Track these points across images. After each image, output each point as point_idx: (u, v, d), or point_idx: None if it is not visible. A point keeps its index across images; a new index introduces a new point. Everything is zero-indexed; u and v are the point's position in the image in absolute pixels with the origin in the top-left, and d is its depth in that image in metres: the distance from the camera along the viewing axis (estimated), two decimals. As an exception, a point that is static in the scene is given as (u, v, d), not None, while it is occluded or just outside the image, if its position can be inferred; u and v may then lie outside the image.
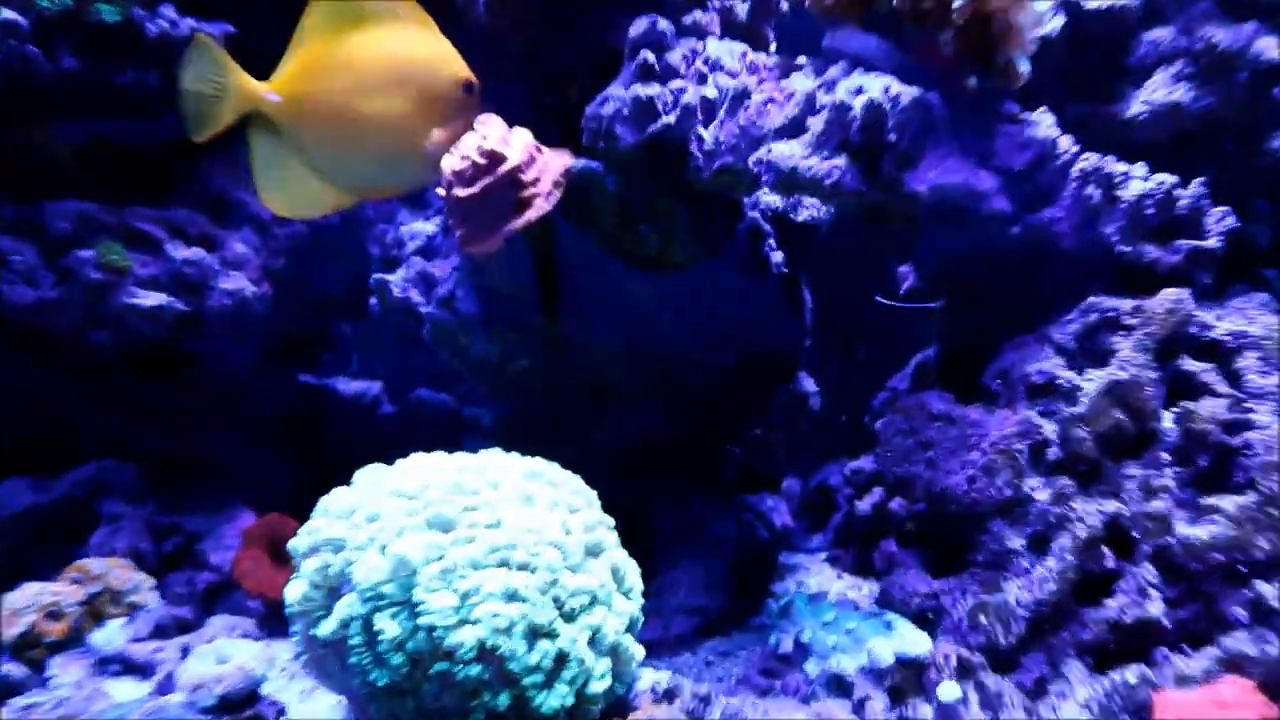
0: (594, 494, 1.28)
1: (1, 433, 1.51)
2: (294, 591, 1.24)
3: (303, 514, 1.25)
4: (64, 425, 1.54)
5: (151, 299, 1.46)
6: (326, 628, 1.20)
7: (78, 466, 1.52)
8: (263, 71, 1.29)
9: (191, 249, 1.50)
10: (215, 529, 1.54)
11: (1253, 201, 1.57)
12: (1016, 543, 1.27)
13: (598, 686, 1.19)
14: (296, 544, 1.25)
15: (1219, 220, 1.37)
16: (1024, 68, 1.18)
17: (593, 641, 1.19)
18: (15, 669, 1.33)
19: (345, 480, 1.23)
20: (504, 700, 1.16)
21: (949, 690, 1.11)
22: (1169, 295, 1.30)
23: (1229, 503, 1.25)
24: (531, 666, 1.16)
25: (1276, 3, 1.48)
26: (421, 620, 1.16)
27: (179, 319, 1.48)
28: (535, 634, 1.16)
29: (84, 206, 1.49)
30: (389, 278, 1.44)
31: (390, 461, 1.24)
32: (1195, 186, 1.36)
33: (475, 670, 1.15)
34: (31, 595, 1.37)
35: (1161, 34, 1.40)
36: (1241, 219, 1.41)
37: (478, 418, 1.46)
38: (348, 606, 1.19)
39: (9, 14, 1.43)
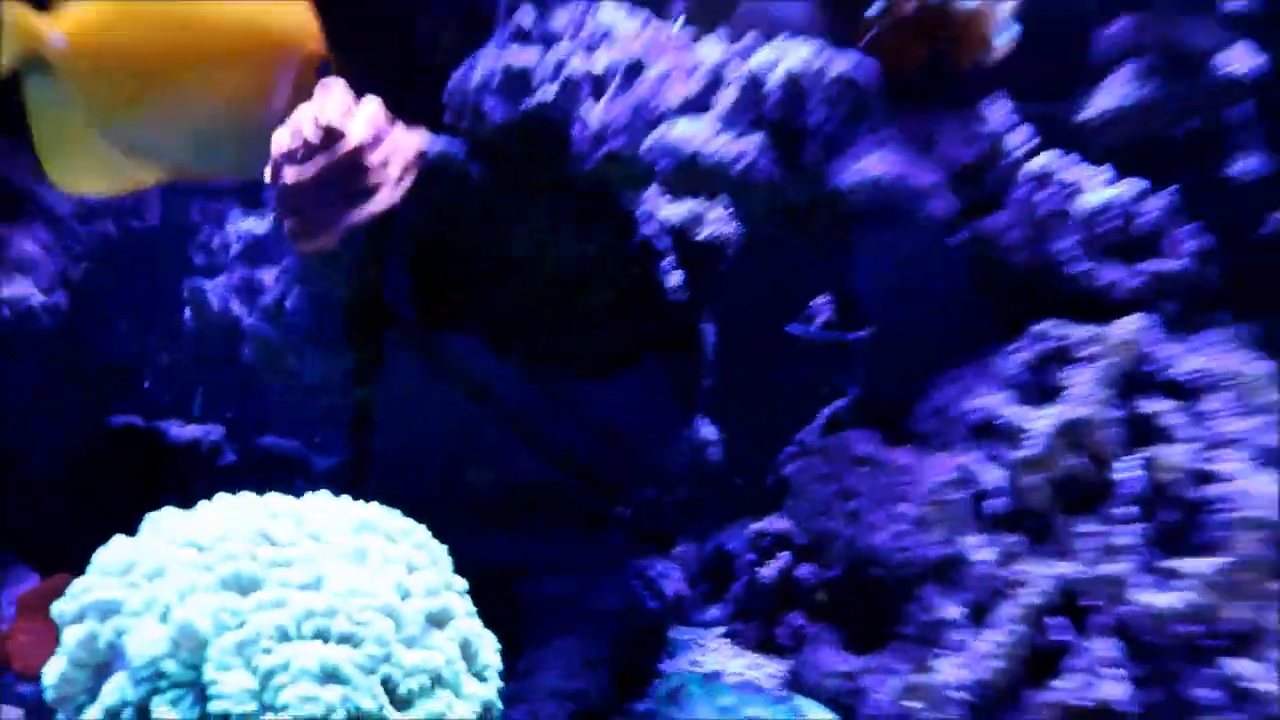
0: (443, 550, 1.04)
1: None
2: (52, 670, 0.97)
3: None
4: None
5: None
6: (90, 718, 0.93)
7: None
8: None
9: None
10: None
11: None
12: (953, 612, 1.06)
13: (437, 788, 0.94)
14: (61, 609, 0.99)
15: (1189, 238, 1.20)
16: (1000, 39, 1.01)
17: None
18: None
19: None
20: (315, 812, 0.90)
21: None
22: (1130, 323, 1.12)
23: (1201, 565, 1.07)
24: (350, 764, 0.91)
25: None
26: (212, 707, 0.90)
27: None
28: (358, 727, 0.91)
29: None
30: (205, 284, 1.19)
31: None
32: (1163, 197, 1.19)
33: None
34: None
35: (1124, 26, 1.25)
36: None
37: (300, 452, 1.22)
38: (118, 690, 0.92)
39: None
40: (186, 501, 1.03)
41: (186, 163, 1.12)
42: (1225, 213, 1.30)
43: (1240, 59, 1.30)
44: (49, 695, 0.98)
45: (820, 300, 1.29)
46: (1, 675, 1.25)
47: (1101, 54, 1.25)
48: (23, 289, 1.25)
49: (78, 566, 1.19)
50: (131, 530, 1.03)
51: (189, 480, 1.30)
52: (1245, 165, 1.30)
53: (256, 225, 1.23)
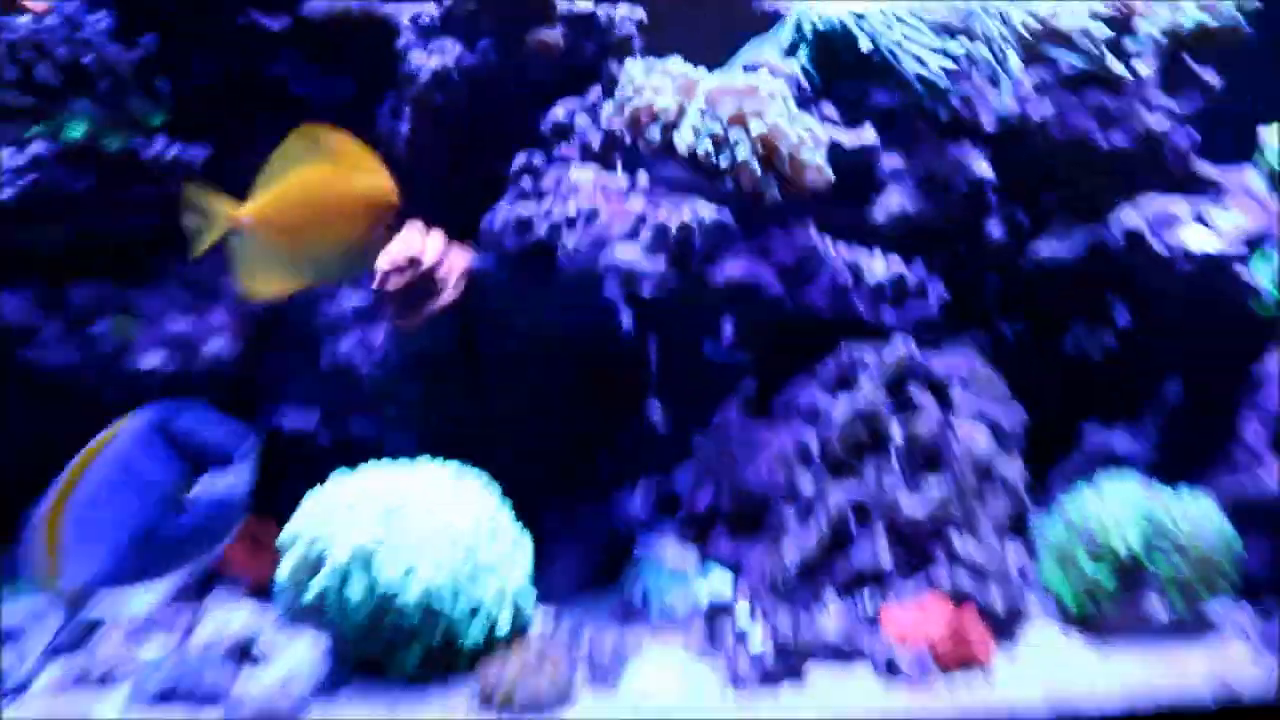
0: (498, 491, 1.80)
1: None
2: (284, 569, 1.74)
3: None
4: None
5: (151, 360, 1.95)
6: (310, 594, 1.70)
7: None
8: (235, 181, 1.73)
9: (180, 320, 1.99)
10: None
11: (983, 274, 2.17)
12: (790, 517, 1.83)
13: (503, 627, 1.71)
14: (286, 536, 1.75)
15: (937, 293, 1.96)
16: (812, 178, 1.74)
17: (499, 595, 1.71)
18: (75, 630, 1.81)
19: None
20: (438, 639, 1.67)
21: (743, 609, 1.68)
22: (896, 345, 1.88)
23: (938, 482, 1.82)
24: (456, 616, 1.68)
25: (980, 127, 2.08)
26: (378, 588, 1.67)
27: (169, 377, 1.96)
28: (458, 593, 1.68)
29: (96, 288, 1.97)
30: (335, 340, 1.95)
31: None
32: (919, 269, 1.94)
33: (416, 620, 1.66)
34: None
35: (895, 159, 2.01)
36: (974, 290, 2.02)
37: (402, 441, 1.95)
38: (322, 581, 1.70)
39: (41, 148, 1.90)
40: (324, 473, 1.78)
41: (320, 277, 1.84)
42: (968, 273, 2.05)
43: (981, 169, 2.05)
44: (280, 583, 1.74)
45: (724, 334, 2.03)
46: (222, 577, 1.98)
47: (884, 176, 2.00)
48: (217, 344, 2.00)
49: (276, 513, 1.92)
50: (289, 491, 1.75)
51: (321, 463, 2.02)
52: (979, 240, 2.06)
53: (361, 302, 1.97)
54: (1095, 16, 2.06)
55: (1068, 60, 2.06)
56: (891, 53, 1.96)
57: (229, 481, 1.45)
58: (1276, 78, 2.19)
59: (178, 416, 1.45)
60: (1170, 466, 2.06)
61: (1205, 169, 2.18)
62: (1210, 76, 2.20)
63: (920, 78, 1.98)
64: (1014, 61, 2.00)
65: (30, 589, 1.80)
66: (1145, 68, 2.12)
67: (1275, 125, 2.18)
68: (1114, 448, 2.16)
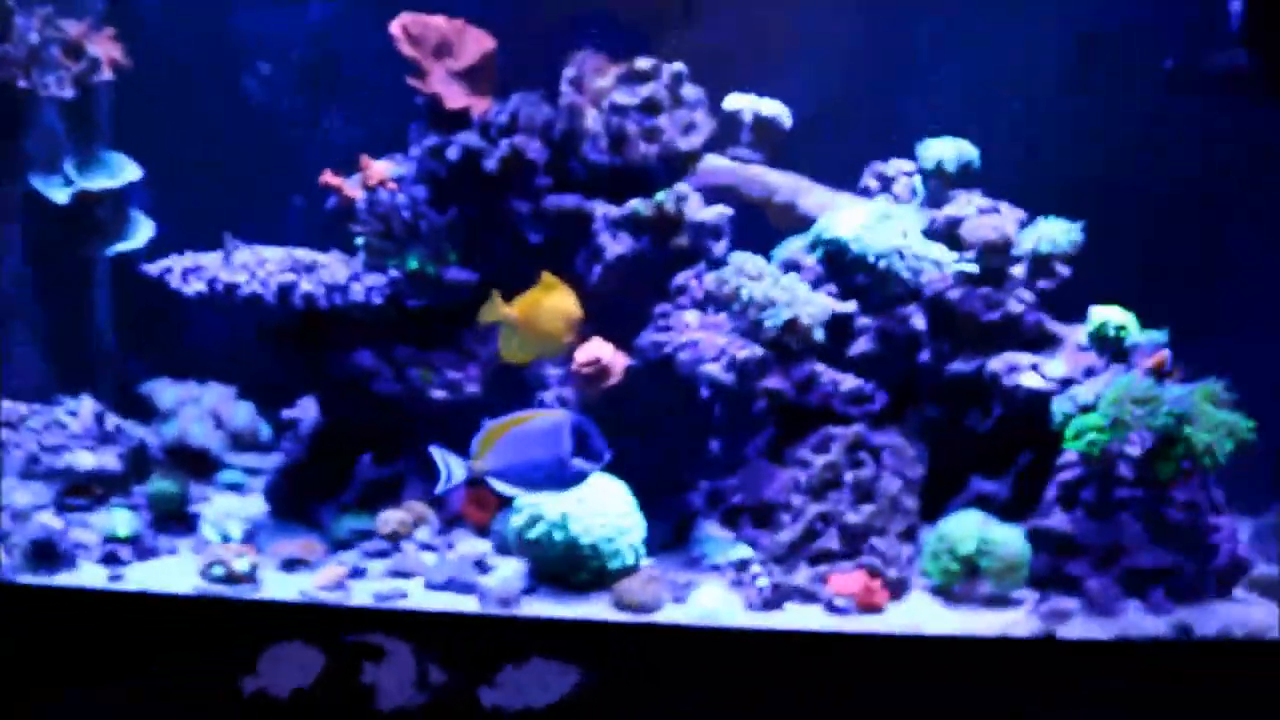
0: (627, 488, 3.29)
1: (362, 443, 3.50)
2: (515, 520, 3.25)
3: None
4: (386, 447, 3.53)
5: (438, 394, 3.47)
6: (532, 534, 3.22)
7: (393, 462, 3.52)
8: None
9: (453, 372, 3.50)
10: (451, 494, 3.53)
11: (914, 383, 3.66)
12: (786, 519, 3.34)
13: (629, 563, 3.22)
14: (516, 513, 3.25)
15: (881, 399, 3.46)
16: (812, 336, 3.25)
17: (628, 545, 3.23)
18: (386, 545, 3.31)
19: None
20: (594, 565, 3.19)
21: (757, 567, 3.21)
22: (854, 428, 3.38)
23: (869, 506, 3.33)
24: (606, 553, 3.19)
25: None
26: (569, 535, 3.18)
27: (448, 404, 3.48)
28: (609, 543, 3.19)
29: (410, 350, 3.48)
30: (544, 395, 3.46)
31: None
32: (871, 385, 3.44)
33: (587, 554, 3.17)
34: (395, 515, 3.34)
35: (865, 320, 3.52)
36: (906, 393, 3.53)
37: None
38: (540, 527, 3.21)
39: (394, 273, 3.40)
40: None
41: (542, 355, 3.34)
42: (902, 382, 3.55)
43: (918, 323, 3.56)
44: (496, 530, 3.28)
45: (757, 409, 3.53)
46: (461, 521, 3.49)
47: (857, 329, 3.52)
48: (472, 387, 3.51)
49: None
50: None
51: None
52: (913, 362, 3.57)
53: (561, 373, 3.47)
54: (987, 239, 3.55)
55: (970, 265, 3.56)
56: (877, 258, 3.45)
57: (585, 466, 2.52)
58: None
59: (583, 424, 2.51)
60: (1015, 505, 3.56)
61: (1054, 327, 3.66)
62: (1062, 270, 3.67)
63: (890, 272, 3.47)
64: (941, 263, 3.49)
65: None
66: (1019, 269, 3.60)
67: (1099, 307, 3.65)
68: (985, 491, 3.67)
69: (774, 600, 3.06)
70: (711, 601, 2.96)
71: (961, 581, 3.14)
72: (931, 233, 3.65)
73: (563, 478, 2.56)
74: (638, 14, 3.92)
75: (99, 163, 3.86)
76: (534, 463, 2.52)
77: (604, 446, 2.52)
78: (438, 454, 2.60)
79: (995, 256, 3.57)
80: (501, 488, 2.53)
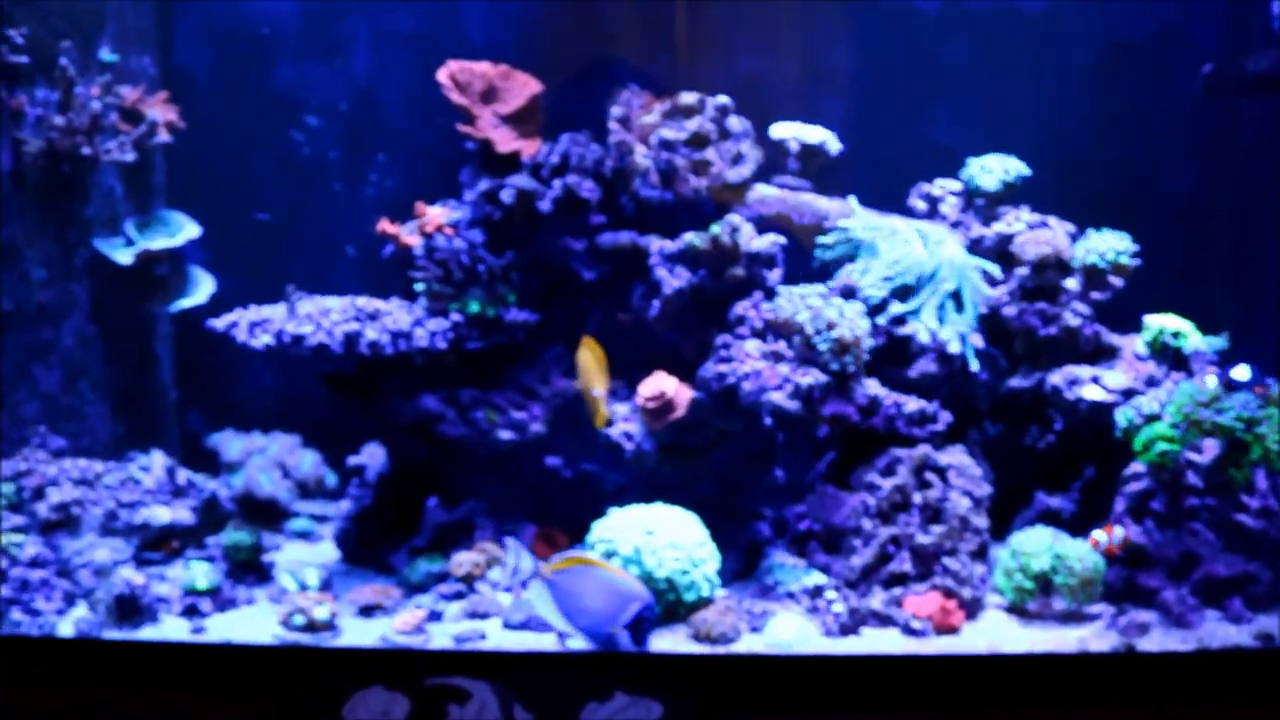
0: (698, 519, 3.32)
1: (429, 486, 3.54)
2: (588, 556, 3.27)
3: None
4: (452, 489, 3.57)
5: (504, 434, 3.50)
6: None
7: (461, 504, 3.55)
8: (553, 330, 3.29)
9: (517, 412, 3.54)
10: (523, 535, 3.56)
11: (974, 400, 3.67)
12: (858, 544, 3.35)
13: (704, 594, 3.24)
14: (590, 541, 3.28)
15: (944, 418, 3.46)
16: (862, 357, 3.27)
17: (702, 577, 3.25)
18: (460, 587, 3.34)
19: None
20: (671, 597, 3.20)
21: (831, 593, 3.20)
22: (919, 450, 3.39)
23: (939, 527, 3.34)
24: (681, 585, 3.21)
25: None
26: (645, 571, 3.20)
27: (514, 443, 3.51)
28: (684, 575, 3.21)
29: (475, 392, 3.52)
30: (610, 433, 3.50)
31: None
32: (934, 405, 3.45)
33: (662, 588, 3.19)
34: (469, 557, 3.37)
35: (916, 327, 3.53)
36: (967, 410, 3.54)
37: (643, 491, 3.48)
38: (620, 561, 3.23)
39: (456, 316, 3.44)
40: (601, 508, 3.33)
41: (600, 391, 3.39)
42: (963, 400, 3.56)
43: (976, 341, 3.57)
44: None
45: (820, 435, 3.55)
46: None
47: (916, 350, 3.54)
48: (536, 426, 3.54)
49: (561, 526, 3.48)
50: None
51: (599, 501, 3.58)
52: (972, 380, 3.58)
53: (623, 410, 3.51)
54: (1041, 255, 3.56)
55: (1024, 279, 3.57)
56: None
57: (622, 642, 2.71)
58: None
59: (649, 611, 2.75)
60: (1083, 519, 3.56)
61: (1110, 338, 3.67)
62: (1115, 281, 3.68)
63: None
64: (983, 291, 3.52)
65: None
66: (1072, 282, 3.61)
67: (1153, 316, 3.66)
68: (1051, 506, 3.66)
69: (850, 625, 3.08)
70: (788, 629, 2.98)
71: (1036, 598, 3.15)
72: (982, 250, 3.65)
73: (596, 635, 2.72)
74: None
75: (158, 222, 3.93)
76: (586, 609, 2.71)
77: (647, 642, 2.72)
78: (513, 546, 2.77)
79: (1049, 271, 3.57)
80: (541, 603, 2.72)
